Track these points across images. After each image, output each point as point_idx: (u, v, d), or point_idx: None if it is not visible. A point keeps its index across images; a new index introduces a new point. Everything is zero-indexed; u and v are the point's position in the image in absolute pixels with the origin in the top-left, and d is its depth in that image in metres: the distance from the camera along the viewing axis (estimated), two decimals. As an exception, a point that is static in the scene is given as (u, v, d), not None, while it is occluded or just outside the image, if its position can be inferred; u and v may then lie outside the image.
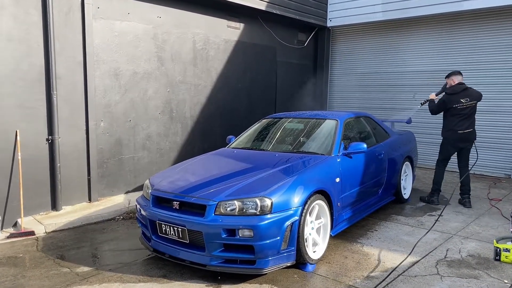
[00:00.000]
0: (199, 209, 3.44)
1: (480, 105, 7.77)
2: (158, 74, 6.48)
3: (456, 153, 5.80)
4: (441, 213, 5.08)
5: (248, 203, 3.36)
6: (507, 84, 7.55)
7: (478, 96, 5.54)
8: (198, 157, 4.72)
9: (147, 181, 4.12)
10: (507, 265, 3.73)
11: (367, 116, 5.60)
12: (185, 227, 3.44)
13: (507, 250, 3.74)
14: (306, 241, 3.74)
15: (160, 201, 3.76)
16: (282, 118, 5.32)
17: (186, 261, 3.51)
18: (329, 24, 9.40)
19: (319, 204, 3.86)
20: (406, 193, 5.99)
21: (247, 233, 3.29)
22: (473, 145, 5.66)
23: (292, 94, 9.24)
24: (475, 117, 5.62)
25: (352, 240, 4.41)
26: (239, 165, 4.17)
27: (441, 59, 8.20)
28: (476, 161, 5.81)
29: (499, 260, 3.79)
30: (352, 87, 9.55)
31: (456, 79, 5.63)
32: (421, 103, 6.31)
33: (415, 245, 4.16)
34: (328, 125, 4.82)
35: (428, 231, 4.60)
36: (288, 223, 3.42)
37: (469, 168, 5.73)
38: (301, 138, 4.78)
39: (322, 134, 4.72)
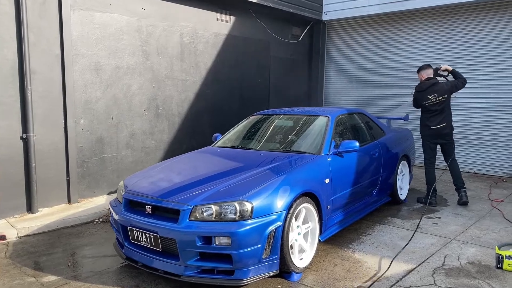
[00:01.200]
0: (173, 214, 3.14)
1: (480, 102, 7.53)
2: (142, 69, 6.17)
3: (441, 149, 5.55)
4: (425, 211, 4.79)
5: (226, 207, 3.06)
6: (509, 79, 7.24)
7: (448, 90, 5.33)
8: (179, 157, 4.42)
9: (121, 182, 3.82)
10: (510, 274, 3.43)
11: (361, 112, 5.29)
12: (157, 233, 3.14)
13: (510, 257, 3.44)
14: (291, 248, 3.44)
15: (132, 204, 3.46)
16: (271, 115, 5.02)
17: (160, 271, 3.21)
18: (324, 17, 9.08)
19: (306, 208, 3.56)
20: (402, 193, 5.69)
21: (224, 240, 2.99)
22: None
23: (286, 90, 8.93)
24: (450, 110, 5.46)
25: (343, 245, 4.11)
26: (221, 166, 3.87)
27: (440, 54, 7.89)
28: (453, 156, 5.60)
29: (501, 268, 3.49)
30: (348, 83, 9.24)
31: (425, 74, 5.44)
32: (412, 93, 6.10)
33: (401, 249, 3.86)
34: (319, 122, 4.52)
35: (412, 236, 4.30)
36: (270, 229, 3.12)
37: (447, 163, 5.55)
38: (290, 136, 4.48)
39: (312, 132, 4.42)
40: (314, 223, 3.68)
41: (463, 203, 5.44)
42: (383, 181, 5.10)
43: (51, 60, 5.14)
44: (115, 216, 3.51)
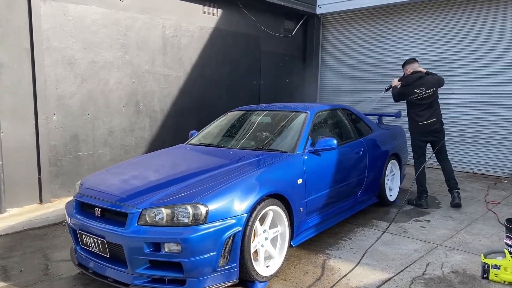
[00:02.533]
0: (122, 218, 2.88)
1: (479, 98, 7.16)
2: (121, 63, 5.92)
3: (431, 147, 5.23)
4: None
5: (178, 211, 2.78)
6: (510, 75, 6.86)
7: (435, 83, 5.06)
8: (145, 155, 4.15)
9: (78, 182, 3.56)
10: (497, 285, 3.11)
11: (346, 108, 4.98)
12: (104, 238, 2.88)
13: (496, 266, 3.12)
14: (257, 254, 3.17)
15: (84, 206, 3.20)
16: (249, 110, 4.74)
17: (109, 279, 2.95)
18: (318, 11, 8.75)
19: (274, 211, 3.27)
20: (392, 194, 5.37)
21: (175, 247, 2.71)
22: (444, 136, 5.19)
23: (279, 86, 8.63)
24: (439, 105, 5.16)
25: (319, 250, 3.81)
26: (184, 165, 3.59)
27: (438, 48, 7.53)
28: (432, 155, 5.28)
29: (487, 278, 3.17)
30: (344, 79, 8.90)
31: (410, 68, 5.16)
32: (384, 89, 5.85)
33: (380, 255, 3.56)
34: (296, 119, 4.22)
35: (379, 237, 3.98)
36: (228, 234, 2.83)
37: (426, 161, 5.25)
38: (265, 133, 4.19)
39: (288, 129, 4.12)
40: (283, 227, 3.39)
41: (455, 205, 5.11)
42: (369, 181, 4.79)
43: (20, 54, 4.91)
44: (67, 219, 3.26)
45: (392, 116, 5.90)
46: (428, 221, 4.64)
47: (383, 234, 3.91)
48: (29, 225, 4.60)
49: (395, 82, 5.45)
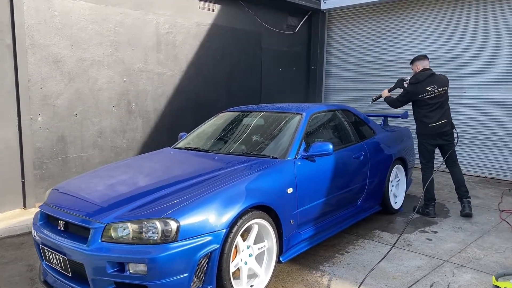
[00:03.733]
0: (85, 233, 2.57)
1: (492, 98, 6.70)
2: (111, 61, 5.63)
3: (440, 152, 4.84)
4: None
5: (146, 226, 2.47)
6: (526, 72, 6.41)
7: (446, 82, 4.70)
8: (125, 160, 3.84)
9: (48, 191, 3.28)
10: (511, 312, 2.74)
11: (346, 109, 4.61)
12: (65, 256, 2.58)
13: (510, 291, 2.74)
14: (239, 272, 2.84)
15: (50, 218, 2.91)
16: (241, 112, 4.41)
17: (72, 300, 2.65)
18: (323, 6, 8.37)
19: (259, 224, 2.94)
20: (397, 202, 4.99)
21: (141, 268, 2.40)
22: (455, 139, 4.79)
23: (281, 85, 8.28)
24: (449, 106, 4.78)
25: (312, 266, 3.47)
26: (163, 173, 3.27)
27: (448, 45, 7.10)
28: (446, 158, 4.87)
29: (499, 304, 2.80)
30: (350, 78, 8.50)
31: (420, 65, 4.78)
32: (372, 99, 5.49)
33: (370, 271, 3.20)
34: (290, 121, 3.87)
35: (384, 257, 3.61)
36: (202, 253, 2.51)
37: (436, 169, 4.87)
38: (255, 137, 3.86)
39: (281, 133, 3.78)
40: (271, 242, 3.05)
41: (465, 214, 4.72)
42: (371, 188, 4.42)
43: (1, 51, 4.65)
44: (32, 231, 2.97)
45: (398, 117, 5.51)
46: (435, 232, 4.26)
47: (387, 254, 3.52)
48: (9, 232, 4.34)
49: (385, 93, 5.11)
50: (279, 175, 3.20)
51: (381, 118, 5.69)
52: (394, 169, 4.88)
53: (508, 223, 4.51)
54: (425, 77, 4.64)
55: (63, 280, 2.67)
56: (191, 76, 6.63)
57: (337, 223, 3.92)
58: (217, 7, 6.91)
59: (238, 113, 4.40)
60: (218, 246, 2.58)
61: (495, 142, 6.72)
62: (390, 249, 3.61)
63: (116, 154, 5.81)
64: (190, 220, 2.51)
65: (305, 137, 3.68)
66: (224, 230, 2.62)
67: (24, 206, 4.97)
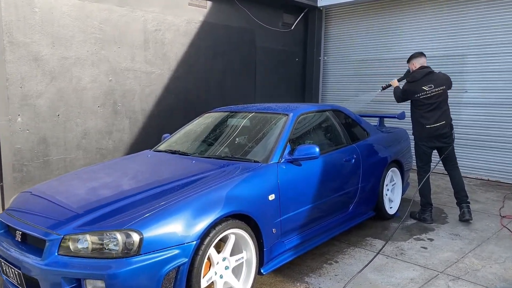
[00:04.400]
0: (42, 245, 2.36)
1: (495, 97, 6.44)
2: (96, 59, 5.43)
3: (438, 154, 4.59)
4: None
5: (106, 238, 2.25)
6: (530, 71, 6.14)
7: (446, 81, 4.43)
8: (99, 164, 3.62)
9: (15, 196, 3.07)
10: (509, 332, 2.50)
11: (338, 109, 4.38)
12: (20, 270, 2.37)
13: (508, 309, 2.51)
14: (214, 286, 2.63)
15: (10, 227, 2.71)
16: (226, 112, 4.19)
17: (30, 319, 2.44)
18: (320, 3, 8.13)
19: (236, 234, 2.73)
20: (392, 207, 4.76)
21: (99, 285, 2.19)
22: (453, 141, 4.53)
23: (276, 84, 8.04)
24: (448, 106, 4.51)
25: (297, 277, 3.25)
26: (134, 179, 3.05)
27: (448, 42, 6.83)
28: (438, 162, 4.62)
29: (497, 322, 2.56)
30: (348, 77, 8.25)
31: (417, 63, 4.53)
32: (381, 87, 5.31)
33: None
34: (275, 122, 3.65)
35: (366, 265, 3.37)
36: (169, 268, 2.30)
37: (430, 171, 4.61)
38: (238, 139, 3.64)
39: (264, 135, 3.55)
40: (250, 253, 2.84)
41: (465, 220, 4.47)
42: (364, 193, 4.19)
43: (-23, 49, 4.47)
44: (-8, 241, 2.77)
45: (394, 117, 5.28)
46: (431, 239, 4.02)
47: (371, 261, 3.31)
48: (-18, 238, 4.14)
49: (395, 83, 4.85)
50: (259, 180, 2.98)
51: (377, 119, 5.47)
52: (389, 172, 4.65)
53: (509, 229, 4.27)
54: (422, 76, 4.41)
55: (21, 296, 2.47)
56: (181, 75, 6.42)
57: (326, 231, 3.69)
58: (208, 4, 6.70)
59: (223, 113, 4.18)
60: (186, 259, 2.36)
61: (498, 144, 6.46)
62: (374, 257, 3.39)
63: (102, 156, 5.61)
64: (155, 231, 2.29)
65: (291, 139, 3.46)
66: (194, 242, 2.41)
67: (3, 210, 4.77)
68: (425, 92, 4.39)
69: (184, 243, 2.36)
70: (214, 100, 6.89)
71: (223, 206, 2.61)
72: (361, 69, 8.00)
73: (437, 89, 4.36)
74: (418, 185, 4.56)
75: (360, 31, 7.97)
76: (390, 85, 5.00)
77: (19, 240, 2.49)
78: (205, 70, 6.75)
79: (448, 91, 4.47)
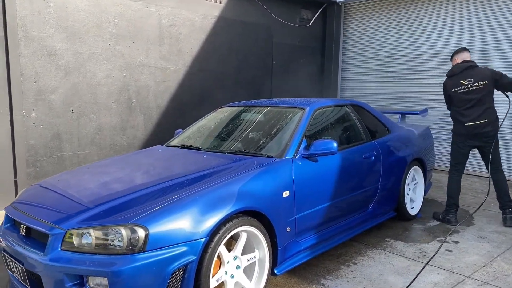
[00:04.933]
0: (45, 239, 2.28)
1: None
2: (110, 54, 5.39)
3: (480, 155, 4.33)
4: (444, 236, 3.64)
5: (110, 233, 2.15)
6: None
7: (489, 76, 4.09)
8: (112, 158, 3.55)
9: (24, 189, 3.02)
10: None
11: (357, 105, 4.20)
12: (23, 265, 2.29)
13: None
14: (225, 286, 2.51)
15: (14, 221, 2.64)
16: (241, 107, 4.07)
17: (33, 316, 2.37)
18: (339, -2, 7.93)
19: (248, 232, 2.59)
20: (414, 207, 4.54)
21: (102, 282, 2.09)
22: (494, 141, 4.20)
23: (294, 81, 7.88)
24: (493, 103, 4.17)
25: (313, 279, 3.09)
26: (145, 173, 2.94)
27: (477, 36, 6.53)
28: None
29: (531, 332, 2.35)
30: (369, 74, 8.00)
31: (458, 58, 4.25)
32: None
33: (402, 294, 2.78)
34: (291, 117, 3.51)
35: (418, 274, 3.17)
36: (176, 266, 2.18)
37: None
38: (252, 134, 3.50)
39: (280, 129, 3.41)
40: (262, 252, 2.70)
41: (508, 226, 4.20)
42: (385, 192, 4.00)
43: (-8, 43, 4.46)
44: (-3, 236, 2.71)
45: (416, 114, 5.05)
46: (457, 242, 3.80)
47: (416, 276, 3.11)
48: (-5, 233, 4.12)
49: None
50: (273, 176, 2.84)
51: (398, 116, 5.25)
52: (411, 171, 4.43)
53: (541, 233, 4.01)
54: (461, 70, 4.13)
55: (25, 292, 2.39)
56: (196, 71, 6.33)
57: (343, 231, 3.52)
58: (225, -2, 6.59)
59: (238, 108, 4.06)
60: (195, 257, 2.24)
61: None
62: (416, 276, 3.19)
63: (116, 152, 5.56)
64: (161, 227, 2.18)
65: (307, 134, 3.31)
66: (203, 239, 2.28)
67: (17, 206, 4.76)
68: (463, 87, 4.12)
69: (192, 240, 2.24)
70: (228, 96, 6.78)
71: (234, 202, 2.48)
72: (382, 66, 7.77)
73: (477, 84, 4.07)
74: (448, 184, 4.33)
75: (381, 26, 7.74)
76: None
77: (23, 234, 2.42)
78: (220, 66, 6.64)
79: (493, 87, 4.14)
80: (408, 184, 4.42)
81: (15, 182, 4.74)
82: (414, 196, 4.57)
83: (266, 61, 7.37)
